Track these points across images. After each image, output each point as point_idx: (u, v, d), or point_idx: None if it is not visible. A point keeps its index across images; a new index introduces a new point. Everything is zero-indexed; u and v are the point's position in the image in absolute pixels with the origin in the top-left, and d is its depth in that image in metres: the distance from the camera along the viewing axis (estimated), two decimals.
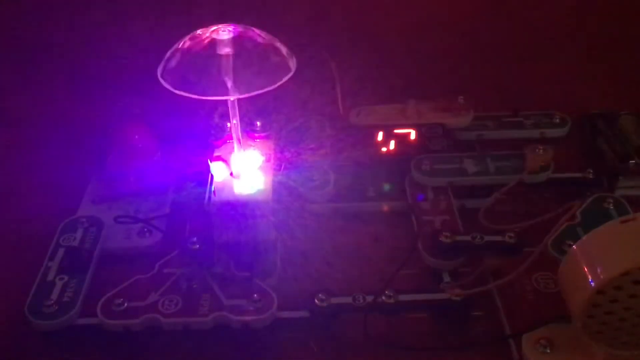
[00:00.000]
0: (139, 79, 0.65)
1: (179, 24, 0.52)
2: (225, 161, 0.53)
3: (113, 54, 0.71)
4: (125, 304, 0.49)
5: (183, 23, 0.51)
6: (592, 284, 0.40)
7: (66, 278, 0.51)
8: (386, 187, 0.61)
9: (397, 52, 0.71)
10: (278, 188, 0.54)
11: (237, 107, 0.49)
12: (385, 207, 0.60)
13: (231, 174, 0.52)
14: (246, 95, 0.46)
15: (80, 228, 0.56)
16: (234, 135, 0.51)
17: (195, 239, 0.52)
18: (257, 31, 0.47)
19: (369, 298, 0.49)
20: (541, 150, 0.60)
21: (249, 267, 0.51)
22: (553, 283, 0.51)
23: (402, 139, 0.64)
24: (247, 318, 0.48)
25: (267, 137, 0.58)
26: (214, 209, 0.51)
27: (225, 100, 0.49)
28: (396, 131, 0.65)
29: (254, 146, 0.56)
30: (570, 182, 0.61)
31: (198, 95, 0.46)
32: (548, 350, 0.45)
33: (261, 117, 0.60)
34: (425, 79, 0.72)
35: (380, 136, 0.64)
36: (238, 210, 0.51)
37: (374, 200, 0.61)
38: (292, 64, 0.47)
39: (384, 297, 0.49)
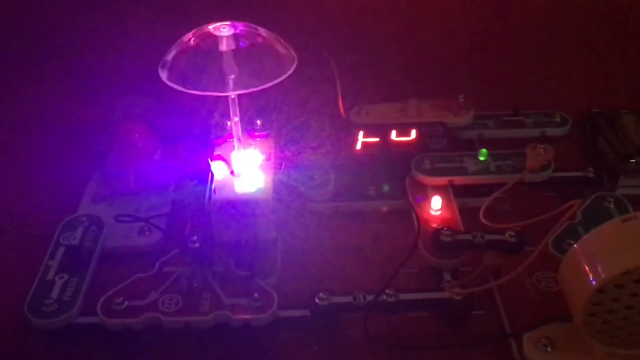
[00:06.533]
0: (139, 78, 0.65)
1: (178, 23, 0.52)
2: (226, 160, 0.53)
3: (113, 53, 0.71)
4: (126, 303, 0.49)
5: (182, 22, 0.51)
6: (593, 282, 0.40)
7: (66, 277, 0.51)
8: (385, 188, 0.61)
9: (398, 50, 0.71)
10: (278, 187, 0.54)
11: (237, 105, 0.49)
12: (385, 207, 0.60)
13: (231, 172, 0.52)
14: (247, 91, 0.46)
15: (81, 227, 0.56)
16: (234, 133, 0.51)
17: (195, 237, 0.52)
18: (259, 28, 0.47)
19: (370, 297, 0.49)
20: (542, 149, 0.60)
21: (250, 265, 0.51)
22: (554, 282, 0.51)
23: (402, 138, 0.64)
24: (248, 317, 0.48)
25: (267, 136, 0.58)
26: (215, 207, 0.51)
27: (226, 99, 0.49)
28: (395, 135, 0.65)
29: (254, 145, 0.56)
30: (571, 181, 0.61)
31: (199, 91, 0.46)
32: (549, 350, 0.45)
33: (261, 116, 0.59)
34: (426, 78, 0.72)
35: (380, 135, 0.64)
36: (238, 209, 0.51)
37: (375, 199, 0.61)
38: (293, 61, 0.47)
39: (384, 296, 0.49)
